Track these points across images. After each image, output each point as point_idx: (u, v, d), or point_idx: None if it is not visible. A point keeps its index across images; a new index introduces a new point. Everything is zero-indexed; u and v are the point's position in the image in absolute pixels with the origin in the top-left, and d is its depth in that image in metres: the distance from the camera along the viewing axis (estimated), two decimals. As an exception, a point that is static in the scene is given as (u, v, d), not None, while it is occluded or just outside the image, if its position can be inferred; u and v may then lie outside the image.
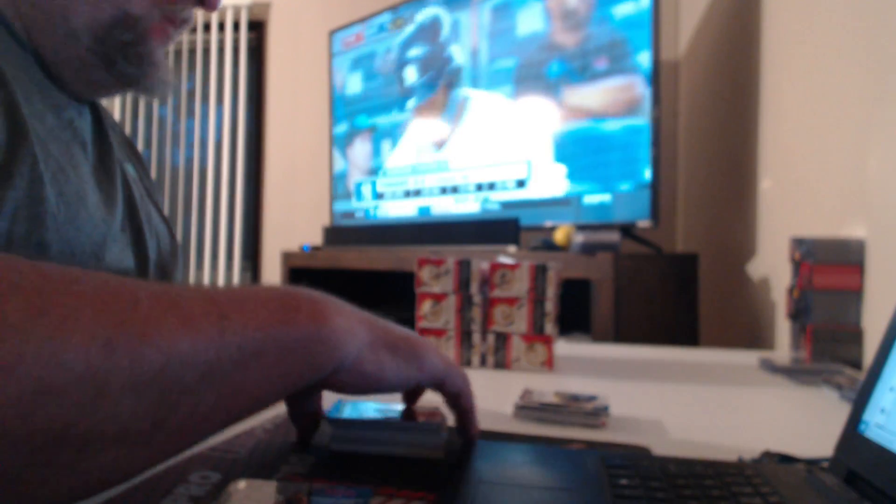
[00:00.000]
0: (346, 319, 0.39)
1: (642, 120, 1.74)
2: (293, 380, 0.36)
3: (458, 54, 2.26)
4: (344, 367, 0.39)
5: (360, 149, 2.64)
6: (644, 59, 1.73)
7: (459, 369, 0.47)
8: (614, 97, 1.81)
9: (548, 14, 2.00)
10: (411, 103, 2.43)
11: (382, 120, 2.55)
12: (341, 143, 2.74)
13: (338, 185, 2.76)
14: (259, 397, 0.35)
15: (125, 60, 0.53)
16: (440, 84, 2.31)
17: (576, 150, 1.91)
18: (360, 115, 2.66)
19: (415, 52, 2.41)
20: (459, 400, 0.47)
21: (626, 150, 1.78)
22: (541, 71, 2.00)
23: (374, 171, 2.57)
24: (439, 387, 0.46)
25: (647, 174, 1.73)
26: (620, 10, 1.80)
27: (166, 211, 3.23)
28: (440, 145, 2.31)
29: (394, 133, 2.50)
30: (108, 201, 0.51)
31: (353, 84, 2.68)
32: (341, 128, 2.74)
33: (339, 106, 2.74)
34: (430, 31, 2.36)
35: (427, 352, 0.44)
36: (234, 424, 0.35)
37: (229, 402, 0.33)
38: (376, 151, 2.57)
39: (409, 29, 2.43)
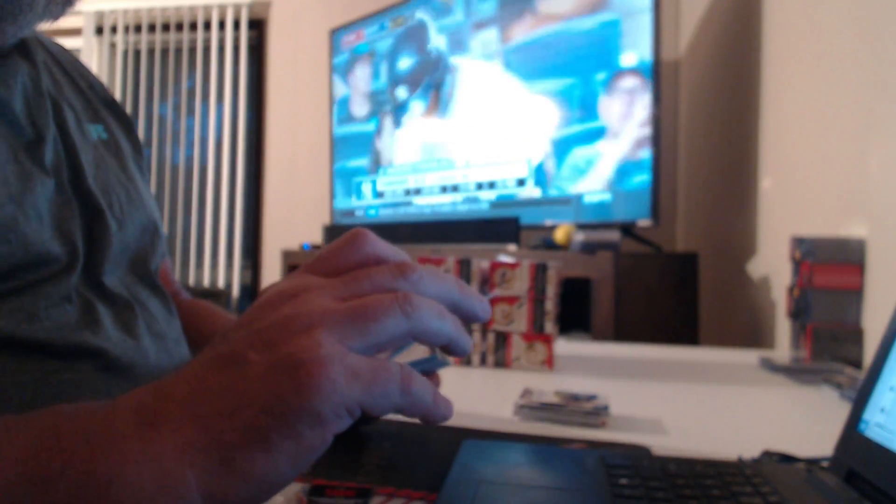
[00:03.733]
0: (156, 459, 0.24)
1: (611, 15, 1.85)
2: None
3: (443, 43, 2.26)
4: None
5: (361, 74, 2.68)
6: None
7: (383, 372, 0.28)
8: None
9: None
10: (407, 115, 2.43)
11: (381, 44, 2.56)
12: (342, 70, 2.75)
13: (340, 110, 2.76)
14: None
15: None
16: (431, 91, 2.33)
17: (548, 54, 1.97)
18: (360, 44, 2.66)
19: (404, 64, 2.43)
20: (412, 412, 0.30)
21: (599, 43, 1.87)
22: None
23: (375, 94, 2.60)
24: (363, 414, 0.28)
25: (623, 61, 1.81)
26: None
27: (166, 210, 3.25)
28: (438, 142, 2.31)
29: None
30: (24, 174, 0.43)
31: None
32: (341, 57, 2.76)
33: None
34: (416, 36, 2.37)
35: (313, 386, 0.26)
36: None
37: None
38: (376, 75, 2.61)
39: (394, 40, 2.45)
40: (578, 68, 1.91)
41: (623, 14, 1.81)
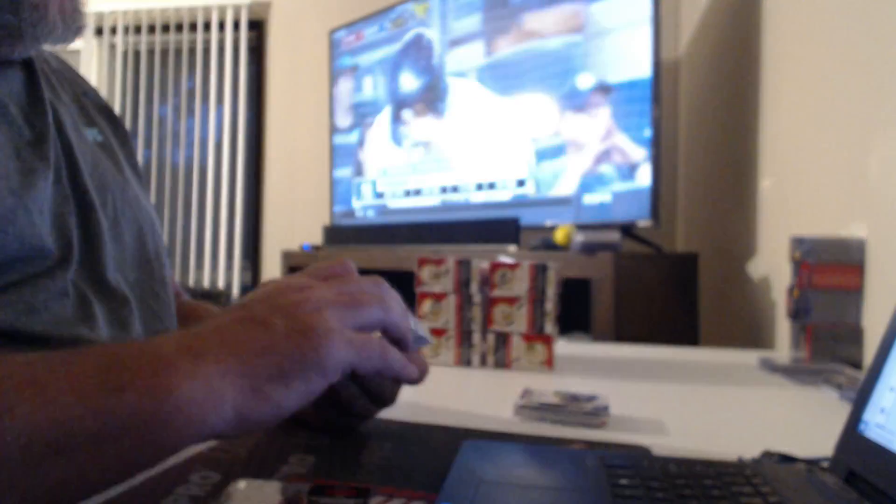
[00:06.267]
0: (204, 378, 0.31)
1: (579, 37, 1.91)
2: (126, 469, 0.30)
3: (442, 51, 2.26)
4: (220, 432, 0.32)
5: (344, 87, 2.71)
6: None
7: (369, 342, 0.38)
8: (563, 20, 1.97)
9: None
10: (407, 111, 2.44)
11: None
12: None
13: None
14: (73, 495, 0.29)
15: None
16: (431, 93, 2.35)
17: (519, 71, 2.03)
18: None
19: (408, 68, 2.45)
20: (388, 372, 0.40)
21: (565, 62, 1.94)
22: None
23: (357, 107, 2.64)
24: (356, 374, 0.38)
25: (582, 81, 1.87)
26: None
27: (166, 211, 3.25)
28: (437, 143, 2.31)
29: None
30: (26, 170, 0.44)
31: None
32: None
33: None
34: (420, 49, 2.39)
35: (323, 346, 0.35)
36: None
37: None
38: (358, 88, 2.65)
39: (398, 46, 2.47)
40: (546, 85, 1.98)
41: (588, 36, 1.88)
